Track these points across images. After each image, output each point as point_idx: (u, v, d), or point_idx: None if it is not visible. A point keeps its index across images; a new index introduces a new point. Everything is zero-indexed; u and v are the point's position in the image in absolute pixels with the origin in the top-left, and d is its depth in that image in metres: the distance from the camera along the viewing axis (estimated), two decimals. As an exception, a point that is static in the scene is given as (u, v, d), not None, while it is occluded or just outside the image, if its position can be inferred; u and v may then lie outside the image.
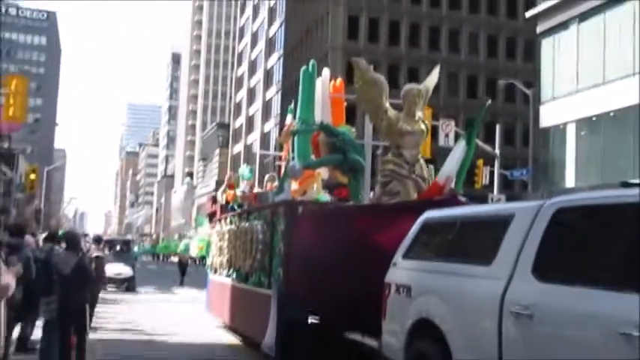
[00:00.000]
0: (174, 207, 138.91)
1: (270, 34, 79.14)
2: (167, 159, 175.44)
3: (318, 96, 12.41)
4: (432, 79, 10.59)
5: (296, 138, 12.15)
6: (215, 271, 15.31)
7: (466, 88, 57.23)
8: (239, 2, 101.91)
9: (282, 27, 72.97)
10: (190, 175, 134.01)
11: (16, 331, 9.91)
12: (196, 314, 17.27)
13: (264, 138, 77.29)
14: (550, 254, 4.73)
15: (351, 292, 7.92)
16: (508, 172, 33.33)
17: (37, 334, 10.31)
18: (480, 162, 30.46)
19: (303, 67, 12.50)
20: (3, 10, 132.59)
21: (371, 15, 56.92)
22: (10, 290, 5.76)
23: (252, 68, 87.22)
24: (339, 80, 13.93)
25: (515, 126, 54.77)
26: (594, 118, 26.05)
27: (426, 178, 9.74)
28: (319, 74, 13.17)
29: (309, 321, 9.64)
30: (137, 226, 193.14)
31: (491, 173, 31.83)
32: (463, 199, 8.00)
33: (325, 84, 12.95)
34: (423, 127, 9.84)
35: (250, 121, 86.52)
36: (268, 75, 78.59)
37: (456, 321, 5.46)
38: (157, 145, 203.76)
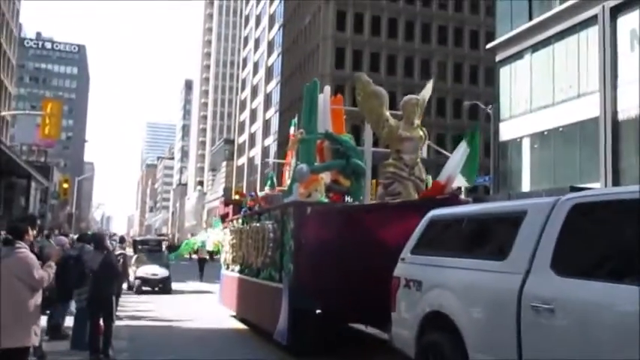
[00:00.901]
0: (187, 211, 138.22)
1: (269, 64, 79.06)
2: (181, 170, 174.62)
3: (320, 109, 12.11)
4: (427, 91, 10.31)
5: (301, 145, 11.74)
6: (227, 267, 14.61)
7: (436, 108, 57.25)
8: (242, 37, 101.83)
9: (280, 58, 72.94)
10: (201, 183, 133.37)
11: (44, 319, 9.77)
12: (211, 305, 16.54)
13: (265, 151, 77.09)
14: (568, 249, 4.24)
15: (356, 285, 7.51)
16: (482, 179, 33.25)
17: (68, 322, 10.14)
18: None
19: (307, 84, 12.28)
20: (40, 44, 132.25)
21: (355, 47, 57.04)
22: (44, 283, 5.64)
23: (254, 93, 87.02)
24: (339, 96, 13.73)
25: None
26: (545, 133, 26.07)
27: (424, 179, 9.47)
28: (321, 91, 12.80)
29: (317, 311, 9.35)
30: (155, 227, 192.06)
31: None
32: (463, 197, 7.48)
33: (326, 98, 12.69)
34: (421, 133, 9.53)
35: (252, 137, 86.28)
36: (268, 98, 78.43)
37: (470, 313, 4.96)
38: (172, 158, 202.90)
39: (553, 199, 4.55)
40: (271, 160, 58.78)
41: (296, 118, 15.58)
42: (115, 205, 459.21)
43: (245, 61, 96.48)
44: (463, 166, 8.80)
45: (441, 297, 5.36)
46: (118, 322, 12.14)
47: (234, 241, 13.63)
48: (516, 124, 28.55)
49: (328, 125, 12.02)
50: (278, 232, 10.14)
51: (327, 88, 12.73)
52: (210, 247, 21.09)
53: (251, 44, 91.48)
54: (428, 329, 5.52)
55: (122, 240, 16.38)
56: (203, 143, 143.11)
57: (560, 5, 24.80)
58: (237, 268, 13.27)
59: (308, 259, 8.85)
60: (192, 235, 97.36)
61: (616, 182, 21.29)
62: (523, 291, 4.35)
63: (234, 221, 14.30)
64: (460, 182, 9.14)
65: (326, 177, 11.29)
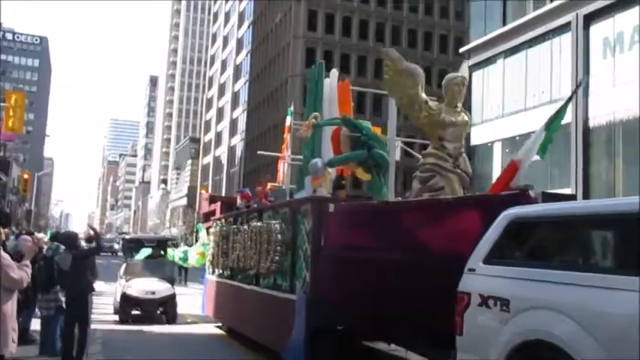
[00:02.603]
0: (150, 209, 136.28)
1: (238, 62, 78.46)
2: (144, 168, 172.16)
3: (326, 95, 10.70)
4: (464, 71, 8.92)
5: (311, 135, 10.34)
6: (213, 272, 12.99)
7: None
8: (210, 34, 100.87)
9: (249, 56, 72.41)
10: (165, 182, 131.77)
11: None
12: (191, 308, 15.63)
13: (231, 151, 76.48)
14: None
15: (390, 298, 6.42)
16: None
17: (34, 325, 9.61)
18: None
19: (312, 67, 10.92)
20: (1, 35, 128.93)
21: (326, 48, 56.96)
22: (24, 283, 5.28)
23: (221, 91, 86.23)
24: (345, 81, 11.82)
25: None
26: (517, 138, 26.27)
27: (470, 173, 8.05)
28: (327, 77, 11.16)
29: (337, 328, 7.83)
30: (117, 226, 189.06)
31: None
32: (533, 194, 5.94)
33: (333, 83, 11.08)
34: (466, 118, 8.23)
35: (219, 136, 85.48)
36: (235, 97, 77.80)
37: (600, 347, 3.80)
38: (135, 155, 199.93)
39: None
40: (268, 153, 58.07)
41: (292, 107, 14.96)
42: (74, 202, 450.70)
43: (213, 58, 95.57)
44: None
45: (549, 322, 4.16)
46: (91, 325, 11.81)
47: (225, 242, 11.98)
48: (488, 129, 28.76)
49: (335, 113, 10.65)
50: (288, 233, 8.75)
51: (335, 72, 11.30)
52: (193, 262, 16.09)
53: (219, 42, 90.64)
54: None
55: (90, 239, 15.69)
56: (168, 141, 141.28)
57: (534, 12, 25.05)
58: (228, 273, 11.86)
59: (330, 267, 7.52)
60: (155, 234, 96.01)
61: (586, 188, 21.59)
62: None
63: (225, 220, 12.72)
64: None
65: (332, 171, 10.09)
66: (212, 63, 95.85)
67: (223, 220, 12.69)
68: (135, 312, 13.81)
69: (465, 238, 5.44)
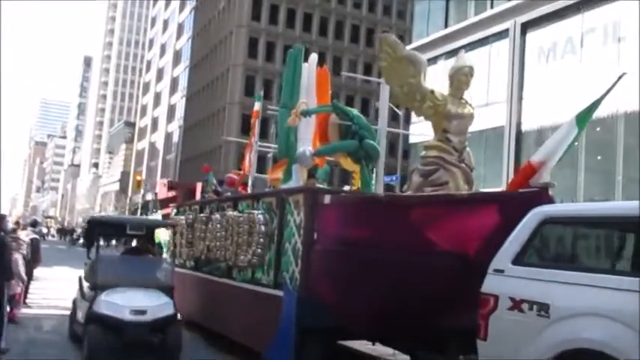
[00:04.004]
0: (79, 193, 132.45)
1: (178, 47, 77.19)
2: (74, 150, 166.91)
3: (304, 80, 10.11)
4: (462, 61, 8.32)
5: (281, 119, 9.89)
6: (172, 261, 11.68)
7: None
8: (150, 17, 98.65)
9: (189, 42, 71.38)
10: (96, 165, 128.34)
11: None
12: None
13: (168, 137, 75.32)
14: None
15: (392, 298, 6.11)
16: (389, 178, 34.05)
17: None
18: (357, 172, 30.95)
19: (290, 50, 10.33)
20: None
21: (269, 38, 56.89)
22: None
23: (160, 76, 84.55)
24: (324, 67, 11.29)
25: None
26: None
27: (474, 168, 7.61)
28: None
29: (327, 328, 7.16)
30: (43, 209, 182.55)
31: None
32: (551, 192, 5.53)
33: (312, 68, 10.42)
34: (472, 110, 7.78)
35: (155, 121, 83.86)
36: (174, 82, 76.58)
37: None
38: (65, 137, 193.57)
39: None
40: (234, 139, 57.27)
41: (262, 92, 14.50)
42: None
43: (152, 42, 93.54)
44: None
45: (596, 329, 3.87)
46: (25, 310, 11.52)
47: (191, 231, 11.10)
48: (427, 127, 29.63)
49: (313, 100, 10.11)
50: (272, 225, 8.04)
51: (314, 56, 10.70)
52: None
53: (159, 25, 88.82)
54: None
55: (35, 223, 15.26)
56: (101, 124, 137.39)
57: (475, 17, 25.97)
58: (192, 263, 11.07)
59: (324, 263, 6.95)
60: (85, 219, 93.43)
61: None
62: None
63: (189, 207, 11.79)
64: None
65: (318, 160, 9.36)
66: (151, 46, 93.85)
67: (187, 208, 11.91)
68: (111, 341, 7.82)
69: (479, 236, 5.27)
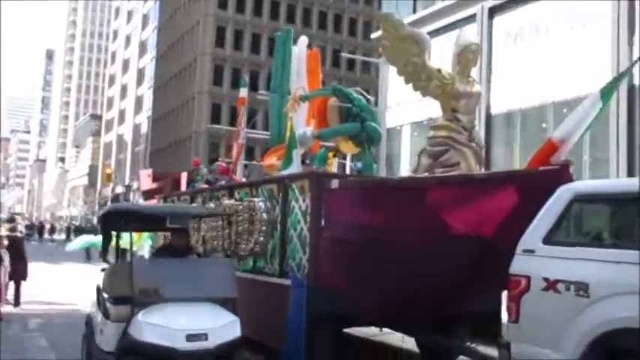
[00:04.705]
0: (46, 189, 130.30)
1: (143, 38, 76.17)
2: (40, 145, 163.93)
3: (294, 64, 9.83)
4: (471, 38, 8.14)
5: (271, 105, 9.62)
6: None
7: (314, 93, 58.39)
8: (113, 7, 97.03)
9: (155, 32, 70.49)
10: (63, 160, 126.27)
11: None
12: None
13: (136, 129, 74.51)
14: None
15: (406, 284, 5.93)
16: (353, 164, 34.29)
17: None
18: (331, 154, 31.15)
19: (278, 33, 10.10)
20: None
21: (237, 27, 56.54)
22: None
23: (125, 67, 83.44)
24: (314, 50, 11.09)
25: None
26: (425, 122, 27.51)
27: (483, 147, 7.43)
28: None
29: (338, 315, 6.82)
30: (9, 206, 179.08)
31: (342, 165, 32.73)
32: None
33: (302, 52, 10.10)
34: (479, 88, 7.59)
35: (122, 114, 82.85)
36: (141, 74, 75.64)
37: None
38: (29, 132, 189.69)
39: None
40: (222, 127, 56.60)
41: (247, 77, 14.32)
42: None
43: (116, 33, 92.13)
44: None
45: None
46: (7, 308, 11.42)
47: None
48: (399, 113, 29.89)
49: (304, 84, 9.91)
50: (275, 212, 7.71)
51: (304, 39, 10.36)
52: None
53: (123, 15, 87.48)
54: (609, 353, 3.98)
55: (12, 219, 14.78)
56: (66, 117, 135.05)
57: (442, 2, 26.23)
58: None
59: (333, 250, 6.66)
60: (53, 214, 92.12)
61: (486, 170, 23.07)
62: None
63: (178, 198, 11.38)
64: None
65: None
66: (115, 38, 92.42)
67: (175, 198, 11.55)
68: None
69: (498, 217, 5.16)
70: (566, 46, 19.73)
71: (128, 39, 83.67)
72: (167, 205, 10.16)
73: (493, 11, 23.65)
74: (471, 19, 24.60)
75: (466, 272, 5.35)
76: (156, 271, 6.37)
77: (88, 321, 7.20)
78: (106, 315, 6.48)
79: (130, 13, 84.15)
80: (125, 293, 6.10)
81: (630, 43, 17.95)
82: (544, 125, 20.71)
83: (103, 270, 7.28)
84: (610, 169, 16.74)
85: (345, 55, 33.88)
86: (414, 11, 28.18)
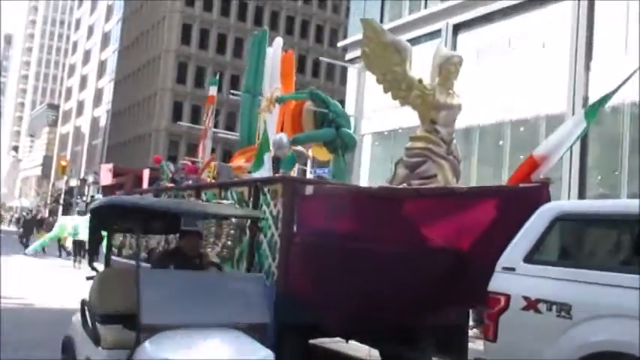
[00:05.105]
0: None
1: (107, 29, 74.87)
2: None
3: (268, 65, 9.72)
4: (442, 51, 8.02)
5: (243, 107, 9.42)
6: (120, 254, 10.95)
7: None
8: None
9: (119, 24, 69.38)
10: (16, 149, 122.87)
11: None
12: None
13: (95, 121, 73.12)
14: None
15: (377, 295, 5.78)
16: (312, 170, 34.34)
17: None
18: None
19: (254, 33, 10.12)
20: None
21: (203, 25, 56.09)
22: None
23: (87, 58, 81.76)
24: (289, 51, 10.97)
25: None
26: (386, 133, 27.82)
27: (460, 161, 7.33)
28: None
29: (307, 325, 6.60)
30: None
31: (303, 171, 32.78)
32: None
33: (277, 53, 9.96)
34: (460, 101, 7.49)
35: (81, 105, 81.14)
36: (102, 65, 74.30)
37: None
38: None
39: None
40: (184, 124, 55.79)
41: (217, 76, 14.05)
42: None
43: (78, 22, 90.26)
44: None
45: (630, 331, 3.68)
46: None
47: None
48: (362, 123, 30.15)
49: (278, 86, 9.73)
50: None
51: (279, 40, 10.14)
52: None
53: (87, 5, 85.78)
54: None
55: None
56: (22, 105, 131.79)
57: (409, 16, 26.61)
58: (144, 255, 9.71)
59: (303, 257, 6.45)
60: (3, 204, 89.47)
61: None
62: None
63: (142, 195, 10.73)
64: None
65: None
66: (77, 27, 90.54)
67: (137, 196, 10.77)
68: None
69: (475, 232, 5.10)
70: (526, 66, 20.24)
71: (91, 29, 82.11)
72: (178, 200, 8.35)
73: (458, 28, 24.11)
74: (436, 34, 25.02)
75: (438, 285, 5.30)
76: (169, 286, 4.79)
77: (67, 345, 5.59)
78: (96, 339, 4.96)
79: (94, 3, 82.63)
80: (122, 309, 4.93)
81: (587, 68, 18.55)
82: (500, 143, 21.21)
83: (89, 279, 5.67)
84: (562, 187, 17.24)
85: (324, 59, 33.76)
86: (381, 21, 28.52)
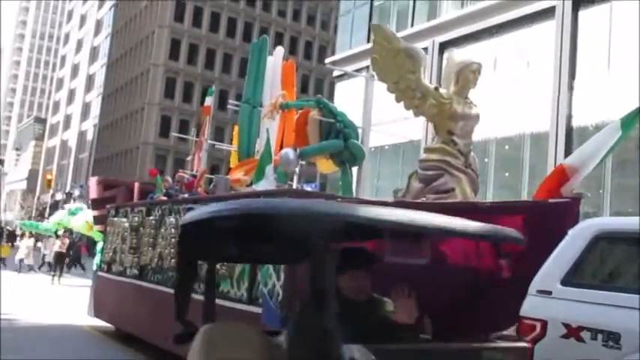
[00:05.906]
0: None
1: (96, 44, 74.80)
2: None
3: (268, 74, 9.51)
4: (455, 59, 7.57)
5: (242, 116, 9.05)
6: (109, 269, 10.61)
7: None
8: (66, 10, 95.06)
9: (108, 39, 69.37)
10: (2, 162, 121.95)
11: None
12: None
13: (82, 135, 72.77)
14: None
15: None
16: (300, 185, 34.39)
17: None
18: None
19: (254, 41, 9.87)
20: None
21: (192, 41, 56.20)
22: None
23: (75, 72, 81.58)
24: (290, 60, 10.71)
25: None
26: (372, 149, 27.93)
27: (478, 174, 6.83)
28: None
29: None
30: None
31: (289, 186, 32.82)
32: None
33: (278, 62, 9.76)
34: (478, 110, 7.05)
35: (68, 119, 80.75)
36: (90, 80, 74.11)
37: None
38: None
39: None
40: (188, 137, 55.49)
41: (213, 87, 13.84)
42: None
43: (67, 36, 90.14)
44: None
45: None
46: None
47: (135, 235, 9.65)
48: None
49: (282, 92, 9.47)
50: None
51: (280, 49, 9.91)
52: (84, 230, 13.32)
53: (76, 19, 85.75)
54: None
55: None
56: (9, 118, 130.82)
57: (396, 33, 26.88)
58: (135, 272, 9.63)
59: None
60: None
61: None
62: None
63: (132, 209, 10.29)
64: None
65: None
66: (66, 41, 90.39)
67: (129, 209, 10.42)
68: None
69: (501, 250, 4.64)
70: (511, 85, 20.46)
71: (80, 43, 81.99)
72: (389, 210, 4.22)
73: (444, 46, 24.34)
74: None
75: (452, 308, 4.82)
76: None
77: None
78: None
79: (83, 18, 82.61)
80: None
81: (570, 88, 18.78)
82: (486, 160, 21.34)
83: (179, 339, 3.15)
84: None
85: (329, 66, 33.82)
86: (368, 40, 28.71)
